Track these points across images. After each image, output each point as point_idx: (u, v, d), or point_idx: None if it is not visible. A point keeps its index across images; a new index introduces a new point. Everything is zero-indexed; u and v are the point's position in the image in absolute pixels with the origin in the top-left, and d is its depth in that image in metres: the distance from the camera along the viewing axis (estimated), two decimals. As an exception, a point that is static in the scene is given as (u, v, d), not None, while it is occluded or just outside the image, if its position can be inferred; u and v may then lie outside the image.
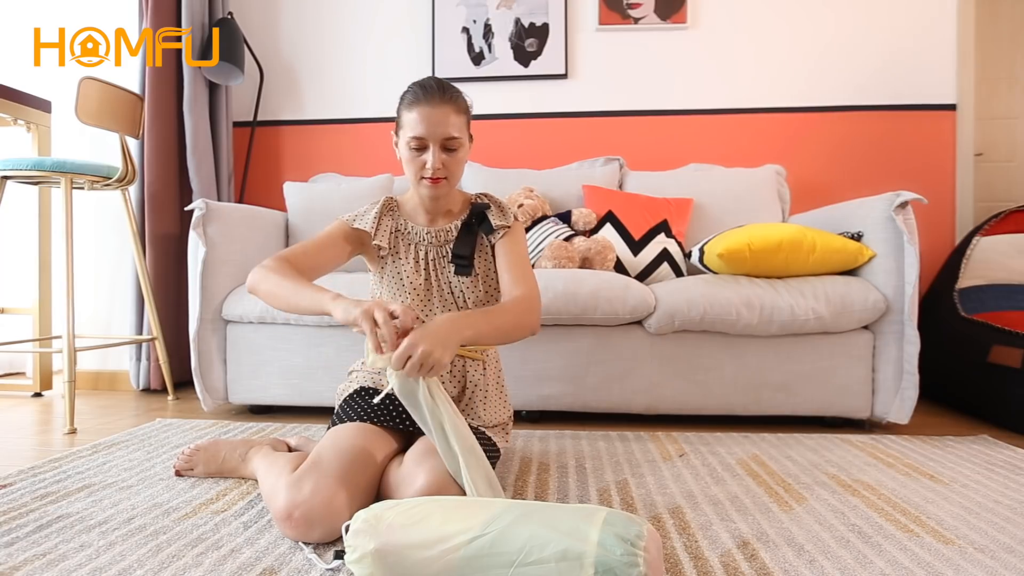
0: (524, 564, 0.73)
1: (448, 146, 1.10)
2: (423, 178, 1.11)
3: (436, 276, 1.19)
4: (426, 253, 1.20)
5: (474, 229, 1.19)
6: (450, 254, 1.19)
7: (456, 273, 1.18)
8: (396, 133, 1.16)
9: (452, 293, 1.19)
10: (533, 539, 0.74)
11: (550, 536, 0.73)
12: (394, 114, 1.18)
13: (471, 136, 1.18)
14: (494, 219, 1.19)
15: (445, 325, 0.96)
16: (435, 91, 1.09)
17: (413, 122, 1.08)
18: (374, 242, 1.18)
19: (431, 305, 1.19)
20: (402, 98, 1.13)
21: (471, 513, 0.80)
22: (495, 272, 1.21)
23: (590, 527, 0.73)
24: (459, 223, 1.21)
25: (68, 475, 1.27)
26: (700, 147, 2.45)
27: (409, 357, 0.89)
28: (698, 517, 1.05)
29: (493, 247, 1.21)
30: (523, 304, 1.11)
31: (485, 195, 1.26)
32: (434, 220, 1.22)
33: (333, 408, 1.30)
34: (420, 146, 1.09)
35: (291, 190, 2.29)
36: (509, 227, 1.20)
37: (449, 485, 0.95)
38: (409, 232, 1.21)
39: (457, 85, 1.15)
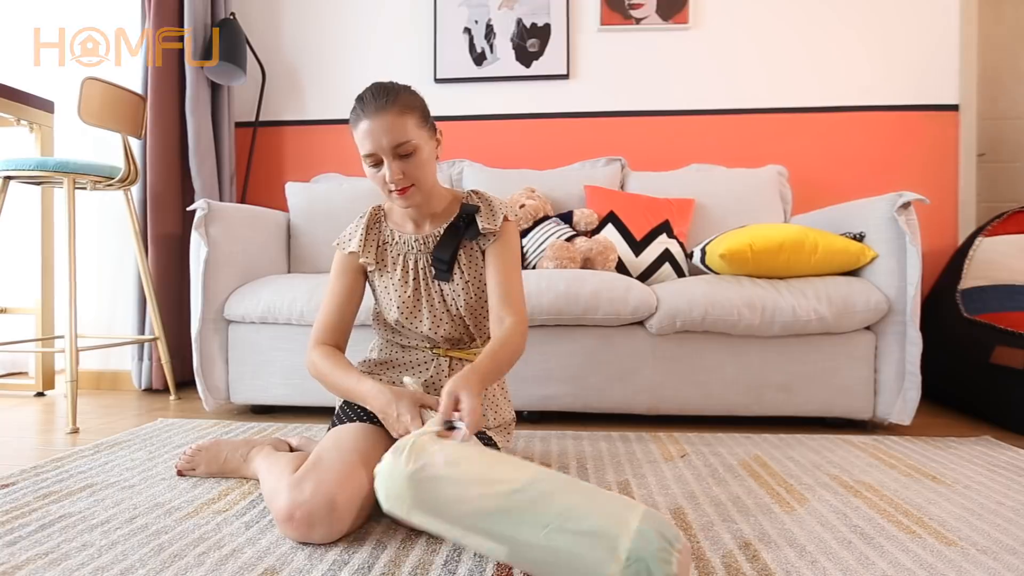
0: (558, 530, 0.71)
1: (401, 152, 1.04)
2: (390, 192, 1.07)
3: (426, 284, 1.17)
4: (415, 261, 1.17)
5: (460, 233, 1.16)
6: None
7: (436, 278, 1.16)
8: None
9: (444, 300, 1.17)
10: (573, 509, 0.72)
11: (590, 511, 0.72)
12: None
13: (435, 129, 1.12)
14: (482, 222, 1.15)
15: (475, 381, 0.95)
16: (371, 101, 1.03)
17: (360, 139, 1.04)
18: (360, 260, 1.17)
19: (420, 316, 1.17)
20: (350, 116, 1.08)
21: (516, 468, 0.79)
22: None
23: (631, 515, 0.72)
24: (446, 226, 1.17)
25: (70, 475, 1.27)
26: (702, 147, 2.45)
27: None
28: (700, 518, 1.05)
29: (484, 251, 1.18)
30: (516, 334, 1.09)
31: (476, 193, 1.21)
32: (421, 226, 1.19)
33: (334, 408, 1.30)
34: (375, 162, 1.05)
35: (293, 190, 2.29)
36: (496, 231, 1.15)
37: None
38: (397, 242, 1.18)
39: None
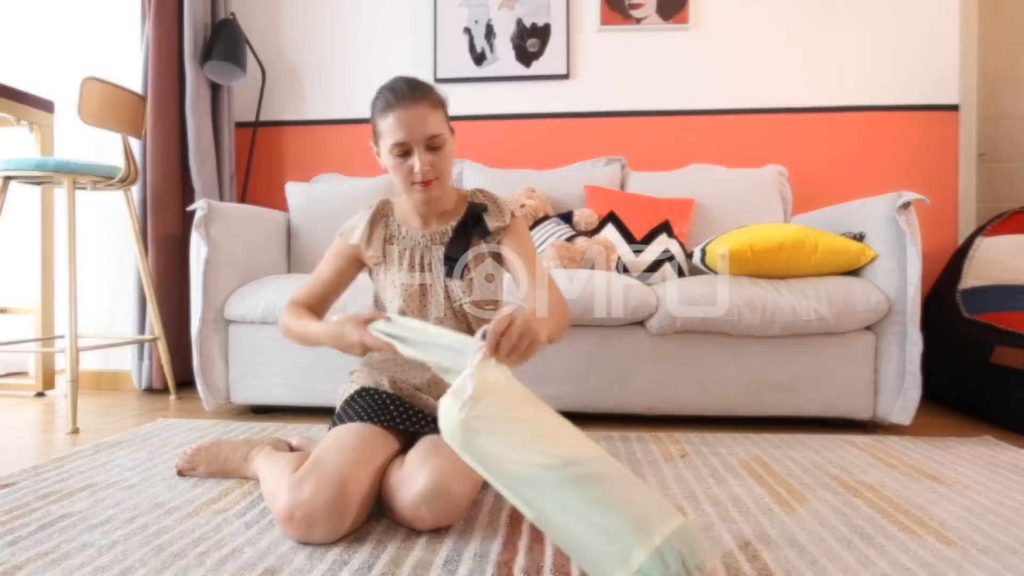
0: (580, 518, 0.71)
1: (432, 144, 1.06)
2: (414, 183, 1.08)
3: (432, 280, 1.18)
4: (421, 256, 1.18)
5: (469, 231, 1.17)
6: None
7: (447, 275, 1.16)
8: (375, 143, 1.12)
9: (449, 296, 1.18)
10: (601, 503, 0.71)
11: (618, 511, 0.71)
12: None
13: (452, 129, 1.14)
14: (491, 221, 1.17)
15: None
16: (407, 92, 1.04)
17: (391, 128, 1.04)
18: (368, 254, 1.18)
19: (426, 310, 1.18)
20: (374, 105, 1.09)
21: (563, 442, 0.78)
22: (493, 274, 1.20)
23: (657, 528, 0.69)
24: (455, 224, 1.19)
25: (70, 474, 1.27)
26: (702, 147, 2.45)
27: (508, 327, 0.83)
28: (700, 518, 1.05)
29: (493, 246, 1.19)
30: (564, 302, 1.13)
31: (481, 192, 1.23)
32: (428, 222, 1.20)
33: (334, 408, 1.30)
34: (404, 151, 1.06)
35: (293, 190, 2.29)
36: (506, 227, 1.18)
37: (452, 486, 0.95)
38: (404, 236, 1.19)
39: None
